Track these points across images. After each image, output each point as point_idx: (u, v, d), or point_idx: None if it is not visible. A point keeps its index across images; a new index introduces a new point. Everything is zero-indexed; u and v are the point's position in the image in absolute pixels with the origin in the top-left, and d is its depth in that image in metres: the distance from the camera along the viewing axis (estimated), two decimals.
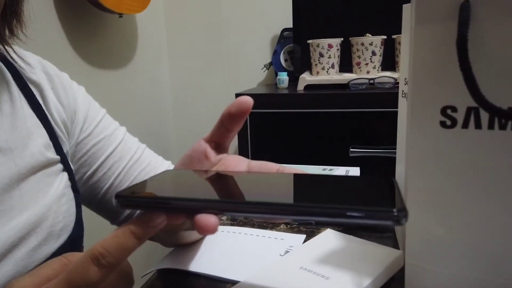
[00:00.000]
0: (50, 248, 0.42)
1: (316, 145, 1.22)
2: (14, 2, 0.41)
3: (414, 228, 0.37)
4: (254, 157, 1.29)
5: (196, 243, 0.50)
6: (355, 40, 1.26)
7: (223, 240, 0.50)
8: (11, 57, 0.45)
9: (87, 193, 0.55)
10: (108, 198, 0.55)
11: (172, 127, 1.81)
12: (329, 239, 0.46)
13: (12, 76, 0.46)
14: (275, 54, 1.56)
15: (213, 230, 0.24)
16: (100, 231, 0.64)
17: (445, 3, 0.31)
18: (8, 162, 0.41)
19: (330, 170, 0.59)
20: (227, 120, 0.35)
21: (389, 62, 1.29)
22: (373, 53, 1.24)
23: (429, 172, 0.35)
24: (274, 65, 1.56)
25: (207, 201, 0.25)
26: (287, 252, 0.46)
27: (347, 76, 1.25)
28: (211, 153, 0.37)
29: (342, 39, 1.29)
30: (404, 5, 0.46)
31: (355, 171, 0.59)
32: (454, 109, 0.33)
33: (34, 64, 0.49)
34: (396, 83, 1.15)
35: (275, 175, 0.30)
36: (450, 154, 0.34)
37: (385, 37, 1.24)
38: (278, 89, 1.38)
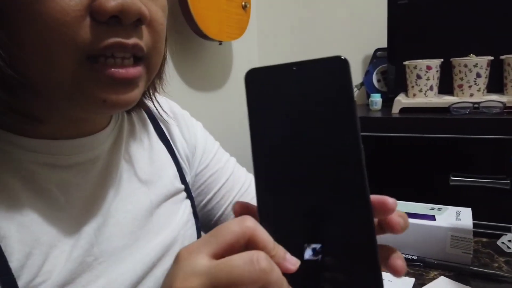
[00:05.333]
0: None
1: (412, 172, 1.18)
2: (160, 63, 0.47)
3: None
4: None
5: None
6: (457, 61, 1.19)
7: None
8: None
9: (202, 219, 0.60)
10: (219, 224, 0.60)
11: None
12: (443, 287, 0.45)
13: (147, 115, 0.53)
14: (367, 74, 1.53)
15: None
16: None
17: None
18: (148, 192, 0.47)
19: (439, 210, 0.57)
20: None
21: (496, 84, 1.20)
22: (478, 75, 1.16)
23: None
24: (366, 86, 1.54)
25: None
26: None
27: (447, 99, 1.18)
28: None
29: (442, 60, 1.23)
30: None
31: (466, 212, 0.56)
32: None
33: (163, 104, 0.56)
34: (504, 108, 1.07)
35: None
36: None
37: (491, 58, 1.16)
38: (370, 111, 1.36)
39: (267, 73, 0.27)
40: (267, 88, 0.27)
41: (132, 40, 0.33)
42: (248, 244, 0.25)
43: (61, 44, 0.30)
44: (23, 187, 0.36)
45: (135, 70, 0.34)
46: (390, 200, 0.27)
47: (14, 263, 0.33)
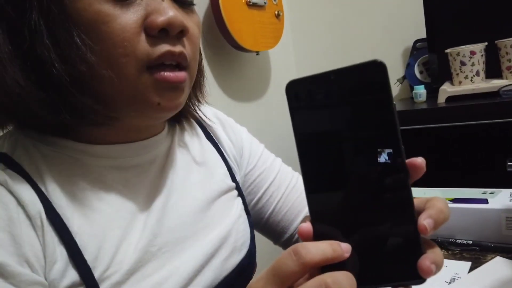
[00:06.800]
0: (235, 259, 0.51)
1: (465, 161, 1.14)
2: (199, 78, 0.52)
3: None
4: None
5: None
6: (502, 43, 1.15)
7: None
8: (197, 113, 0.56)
9: (254, 217, 0.63)
10: (271, 222, 0.63)
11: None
12: (500, 267, 0.44)
13: (197, 123, 0.58)
14: (408, 67, 1.51)
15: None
16: (265, 250, 0.72)
17: None
18: (203, 189, 0.51)
19: (492, 193, 0.56)
20: None
21: None
22: None
23: None
24: (409, 79, 1.51)
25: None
26: (453, 280, 0.46)
27: (496, 83, 1.14)
28: None
29: (486, 43, 1.19)
30: None
31: None
32: None
33: (209, 113, 0.60)
34: None
35: None
36: None
37: None
38: (415, 103, 1.34)
39: (306, 83, 0.29)
40: (308, 98, 0.29)
41: (178, 48, 0.40)
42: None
43: (125, 56, 0.37)
44: (92, 189, 0.41)
45: (182, 74, 0.41)
46: (418, 160, 0.28)
47: (88, 255, 0.38)
